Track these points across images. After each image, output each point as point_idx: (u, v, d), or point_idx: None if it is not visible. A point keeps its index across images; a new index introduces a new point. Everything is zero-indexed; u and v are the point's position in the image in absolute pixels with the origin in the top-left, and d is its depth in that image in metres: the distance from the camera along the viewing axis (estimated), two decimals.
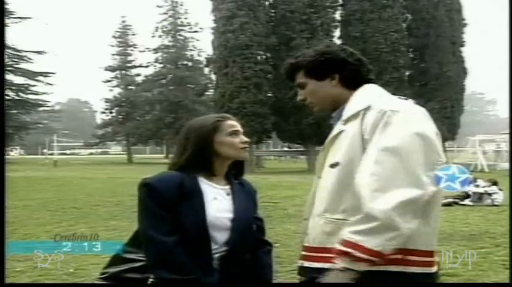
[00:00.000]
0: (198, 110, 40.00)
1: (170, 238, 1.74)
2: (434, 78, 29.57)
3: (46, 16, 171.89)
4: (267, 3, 29.76)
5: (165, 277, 1.73)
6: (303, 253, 1.78)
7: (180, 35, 48.82)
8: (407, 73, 30.97)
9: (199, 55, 48.29)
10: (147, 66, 50.52)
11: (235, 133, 1.93)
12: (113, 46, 52.41)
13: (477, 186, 11.60)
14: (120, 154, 68.10)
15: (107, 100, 50.83)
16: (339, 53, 1.84)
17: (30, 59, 41.23)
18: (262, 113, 26.99)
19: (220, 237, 1.83)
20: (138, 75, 52.56)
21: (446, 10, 29.97)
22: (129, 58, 52.61)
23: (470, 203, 11.07)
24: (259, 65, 27.41)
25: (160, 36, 48.46)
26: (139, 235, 1.85)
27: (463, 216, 9.37)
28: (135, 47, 52.37)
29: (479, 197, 11.33)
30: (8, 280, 3.97)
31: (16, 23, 38.89)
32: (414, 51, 31.23)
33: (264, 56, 28.70)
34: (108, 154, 75.14)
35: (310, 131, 26.19)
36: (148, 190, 1.79)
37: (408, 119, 1.59)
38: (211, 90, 37.30)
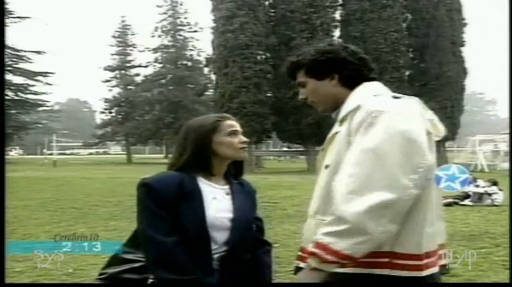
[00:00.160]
0: (197, 110, 39.98)
1: (170, 238, 1.74)
2: (434, 78, 29.57)
3: (45, 16, 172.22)
4: (266, 3, 29.78)
5: (165, 277, 1.72)
6: (299, 253, 1.78)
7: (180, 35, 48.79)
8: (407, 73, 30.97)
9: (199, 55, 48.36)
10: (146, 66, 50.54)
11: (234, 133, 1.92)
12: (112, 46, 52.43)
13: (477, 186, 11.60)
14: (119, 154, 68.11)
15: (106, 100, 50.81)
16: (340, 52, 1.82)
17: (29, 58, 41.23)
18: (262, 113, 27.00)
19: (220, 237, 1.83)
20: (138, 75, 52.53)
21: (446, 10, 29.97)
22: (129, 58, 52.58)
23: (470, 203, 11.07)
24: (259, 65, 27.42)
25: (159, 36, 48.47)
26: (138, 235, 1.85)
27: (463, 216, 9.37)
28: (135, 47, 52.40)
29: (479, 197, 11.33)
30: (7, 280, 3.96)
31: (15, 22, 38.91)
32: (414, 51, 31.23)
33: (263, 56, 28.70)
34: (108, 154, 75.14)
35: (310, 131, 26.20)
36: (147, 190, 1.78)
37: (392, 119, 1.54)
38: (211, 90, 37.35)
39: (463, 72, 31.20)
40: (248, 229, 1.94)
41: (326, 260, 1.48)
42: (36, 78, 42.27)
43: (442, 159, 24.61)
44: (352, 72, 1.81)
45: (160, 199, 1.76)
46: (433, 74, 29.65)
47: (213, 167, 1.90)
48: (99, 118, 62.48)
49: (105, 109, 51.49)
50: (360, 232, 1.45)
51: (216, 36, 28.57)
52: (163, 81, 47.93)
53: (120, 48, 52.15)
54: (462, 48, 31.32)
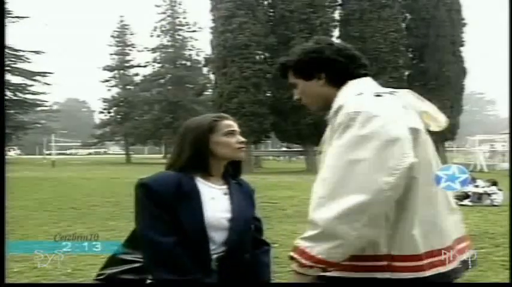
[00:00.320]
0: (196, 110, 39.92)
1: (168, 238, 1.73)
2: (433, 78, 29.56)
3: (44, 16, 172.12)
4: (266, 2, 29.78)
5: (163, 278, 1.72)
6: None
7: (179, 35, 48.77)
8: (406, 73, 30.98)
9: (197, 55, 48.34)
10: (145, 66, 50.47)
11: (231, 133, 1.91)
12: (111, 46, 52.34)
13: (476, 186, 11.59)
14: (118, 154, 68.06)
15: (105, 100, 50.76)
16: (324, 51, 1.78)
17: (27, 58, 41.25)
18: (260, 113, 26.99)
19: (218, 237, 1.82)
20: (137, 75, 52.46)
21: (446, 10, 29.97)
22: (128, 58, 52.50)
23: (470, 204, 11.05)
24: (258, 65, 27.41)
25: (158, 35, 48.45)
26: (136, 235, 1.84)
27: (462, 216, 9.33)
28: (134, 47, 52.32)
29: (479, 197, 11.32)
30: (7, 280, 3.94)
31: (13, 22, 38.89)
32: (413, 51, 31.24)
33: (262, 56, 28.71)
34: (107, 154, 75.09)
35: (309, 131, 26.18)
36: (145, 190, 1.78)
37: (369, 120, 1.49)
38: (210, 90, 37.31)
39: (463, 72, 31.21)
40: (246, 229, 1.93)
41: (304, 265, 1.48)
42: (34, 78, 42.30)
43: (441, 159, 24.56)
44: (338, 71, 1.77)
45: (159, 199, 1.76)
46: (433, 74, 29.65)
47: (210, 167, 1.90)
48: (98, 118, 62.41)
49: (104, 109, 51.45)
50: (332, 237, 1.44)
51: (215, 36, 28.56)
52: (162, 81, 47.93)
53: (119, 48, 52.10)
54: (462, 48, 31.33)
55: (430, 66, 29.88)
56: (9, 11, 36.94)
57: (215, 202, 1.85)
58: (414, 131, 1.55)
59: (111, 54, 52.12)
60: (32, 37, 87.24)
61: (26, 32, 51.25)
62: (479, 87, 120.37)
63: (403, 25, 30.75)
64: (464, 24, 31.69)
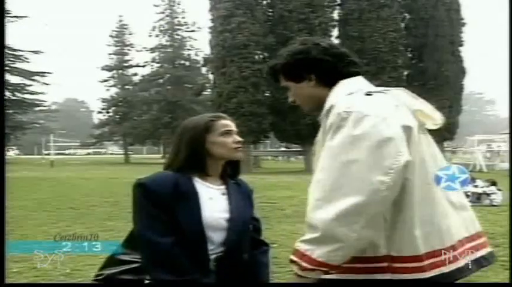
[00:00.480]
0: (195, 109, 39.89)
1: (166, 239, 1.73)
2: (432, 78, 29.56)
3: (43, 15, 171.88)
4: (264, 2, 29.76)
5: (162, 278, 1.71)
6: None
7: (177, 35, 48.77)
8: (405, 73, 30.98)
9: (196, 55, 48.34)
10: (144, 66, 50.49)
11: (228, 133, 1.90)
12: (109, 45, 52.40)
13: (476, 186, 11.58)
14: (117, 154, 68.03)
15: (104, 100, 50.77)
16: (311, 51, 1.75)
17: (26, 58, 41.21)
18: (259, 113, 26.97)
19: (216, 237, 1.82)
20: (135, 74, 52.48)
21: (445, 9, 29.97)
22: (126, 58, 52.53)
23: (469, 204, 11.01)
24: (257, 65, 27.38)
25: (157, 35, 48.48)
26: (134, 236, 1.83)
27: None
28: (132, 47, 52.35)
29: (478, 197, 11.31)
30: (7, 280, 3.93)
31: (12, 22, 38.83)
32: (412, 50, 31.25)
33: (261, 56, 28.68)
34: (105, 154, 75.06)
35: (308, 131, 26.10)
36: (143, 190, 1.77)
37: (361, 120, 1.48)
38: (209, 90, 37.31)
39: (462, 72, 31.21)
40: (245, 229, 1.93)
41: (305, 268, 1.47)
42: (33, 78, 42.26)
43: None
44: (327, 70, 1.75)
45: (156, 199, 1.75)
46: (432, 74, 29.65)
47: (208, 167, 1.89)
48: (96, 118, 62.38)
49: (103, 109, 51.44)
50: (331, 239, 1.43)
51: (213, 35, 28.54)
52: (160, 81, 47.95)
53: (118, 47, 52.12)
54: (461, 48, 31.33)
55: (429, 66, 29.88)
56: (8, 10, 36.89)
57: (213, 202, 1.84)
58: (407, 129, 1.53)
59: (110, 54, 52.23)
60: (30, 37, 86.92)
61: (24, 32, 51.31)
62: (479, 87, 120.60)
63: (402, 25, 30.74)
64: (463, 24, 31.70)
